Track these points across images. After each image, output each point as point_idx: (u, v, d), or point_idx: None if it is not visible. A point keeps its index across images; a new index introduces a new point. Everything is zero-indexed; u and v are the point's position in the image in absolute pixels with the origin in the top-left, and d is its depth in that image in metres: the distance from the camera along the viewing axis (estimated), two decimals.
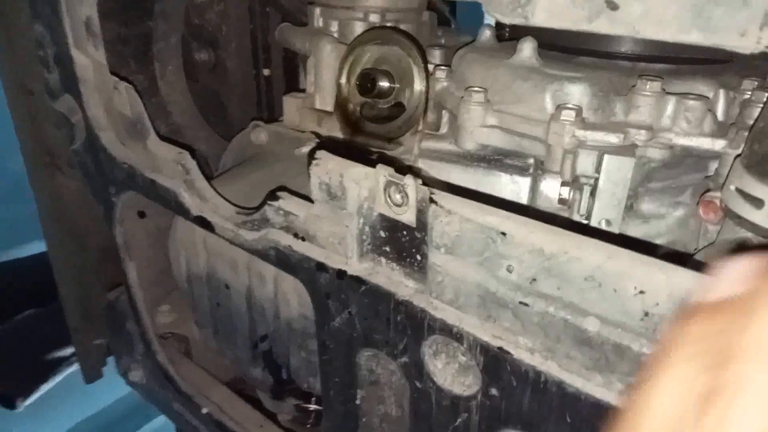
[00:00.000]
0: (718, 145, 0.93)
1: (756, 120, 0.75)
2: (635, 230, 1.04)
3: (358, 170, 0.75)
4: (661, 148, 0.97)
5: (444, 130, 1.18)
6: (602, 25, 0.63)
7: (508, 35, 1.36)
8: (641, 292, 0.53)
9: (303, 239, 0.86)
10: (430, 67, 1.23)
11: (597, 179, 0.97)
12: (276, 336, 1.20)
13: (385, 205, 0.74)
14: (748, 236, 0.75)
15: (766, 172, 0.71)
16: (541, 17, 0.66)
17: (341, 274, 0.79)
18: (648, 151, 0.98)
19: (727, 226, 0.79)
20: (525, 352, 0.63)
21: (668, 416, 0.32)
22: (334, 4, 1.37)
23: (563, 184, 1.05)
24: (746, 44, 0.70)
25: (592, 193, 0.99)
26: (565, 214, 1.08)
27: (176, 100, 1.66)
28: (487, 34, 1.25)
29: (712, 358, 0.33)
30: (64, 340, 2.12)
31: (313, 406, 1.42)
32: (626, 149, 0.95)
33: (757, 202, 0.72)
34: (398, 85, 1.24)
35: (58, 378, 2.49)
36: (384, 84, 1.22)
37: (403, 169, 0.73)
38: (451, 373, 0.77)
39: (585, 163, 0.97)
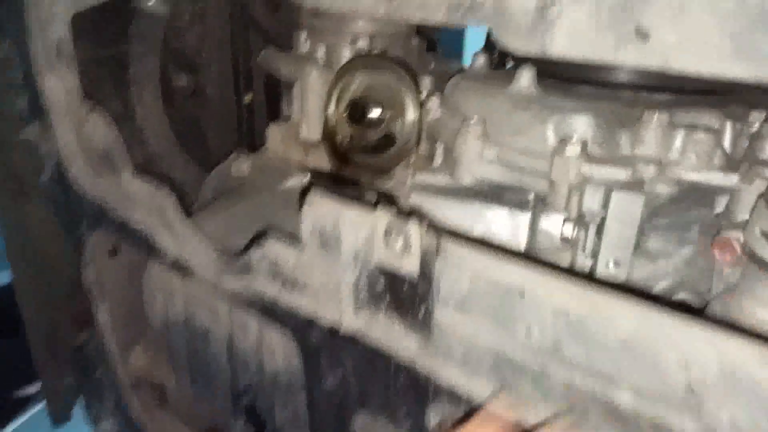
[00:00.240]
0: (730, 180, 0.89)
1: None
2: (641, 270, 0.98)
3: (355, 213, 0.69)
4: (669, 183, 0.92)
5: (438, 162, 1.12)
6: (630, 55, 0.58)
7: (500, 62, 1.32)
8: (685, 362, 0.47)
9: (292, 289, 0.79)
10: (422, 95, 1.18)
11: (603, 217, 0.91)
12: (260, 388, 1.11)
13: (384, 253, 0.68)
14: None
15: None
16: (561, 46, 0.60)
17: (334, 329, 0.72)
18: (655, 186, 0.93)
19: (751, 270, 0.74)
20: (545, 426, 0.56)
21: None
22: (321, 28, 1.31)
23: (566, 220, 1.00)
24: None
25: (598, 232, 0.94)
26: (568, 254, 1.02)
27: (153, 127, 1.57)
28: (480, 61, 1.20)
29: None
30: (34, 374, 2.01)
31: None
32: (634, 185, 0.89)
33: None
34: (389, 115, 1.19)
35: (24, 417, 2.36)
36: (374, 113, 1.16)
37: (406, 212, 0.66)
38: None
39: (591, 199, 0.92)
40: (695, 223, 1.01)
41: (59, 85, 1.13)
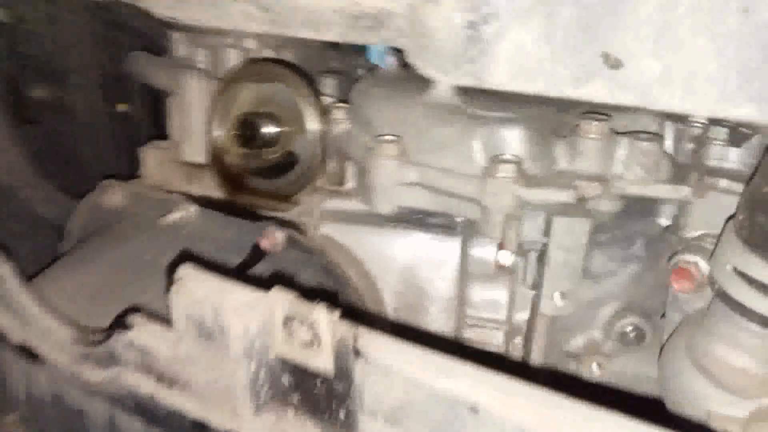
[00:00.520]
0: (680, 192, 0.79)
1: (753, 182, 0.59)
2: (586, 293, 0.88)
3: (242, 298, 0.51)
4: (613, 198, 0.81)
5: (350, 184, 0.95)
6: (597, 90, 0.43)
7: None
8: None
9: (170, 386, 0.60)
10: (325, 101, 1.01)
11: (545, 243, 0.79)
12: None
13: (286, 347, 0.51)
14: (750, 327, 0.59)
15: None
16: (501, 77, 0.45)
17: None
18: (598, 203, 0.81)
19: (721, 310, 0.63)
20: None
21: None
22: (200, 27, 1.09)
23: (500, 247, 0.87)
24: None
25: (540, 260, 0.81)
26: (507, 283, 0.90)
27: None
28: (389, 61, 1.04)
29: None
30: None
31: None
32: (577, 207, 0.77)
33: (766, 290, 0.56)
34: (286, 129, 1.00)
35: None
36: (268, 130, 0.98)
37: (312, 293, 0.49)
38: None
39: (530, 226, 0.79)
40: (639, 236, 0.91)
41: None
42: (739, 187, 0.74)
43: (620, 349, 0.88)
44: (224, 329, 0.52)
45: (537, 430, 0.39)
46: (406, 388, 0.44)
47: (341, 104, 0.98)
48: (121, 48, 1.42)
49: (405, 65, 1.05)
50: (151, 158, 1.07)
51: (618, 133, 0.80)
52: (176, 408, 0.60)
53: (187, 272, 0.53)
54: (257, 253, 0.92)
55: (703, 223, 0.77)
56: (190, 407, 0.59)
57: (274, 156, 1.00)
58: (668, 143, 0.86)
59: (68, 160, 1.49)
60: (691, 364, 0.63)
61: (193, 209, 0.99)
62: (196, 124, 1.04)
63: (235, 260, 0.93)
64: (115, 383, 0.65)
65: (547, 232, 0.78)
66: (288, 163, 0.99)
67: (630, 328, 0.87)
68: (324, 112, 0.97)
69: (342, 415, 0.51)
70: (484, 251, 0.89)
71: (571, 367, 0.89)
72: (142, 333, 0.60)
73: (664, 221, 0.88)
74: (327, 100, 1.02)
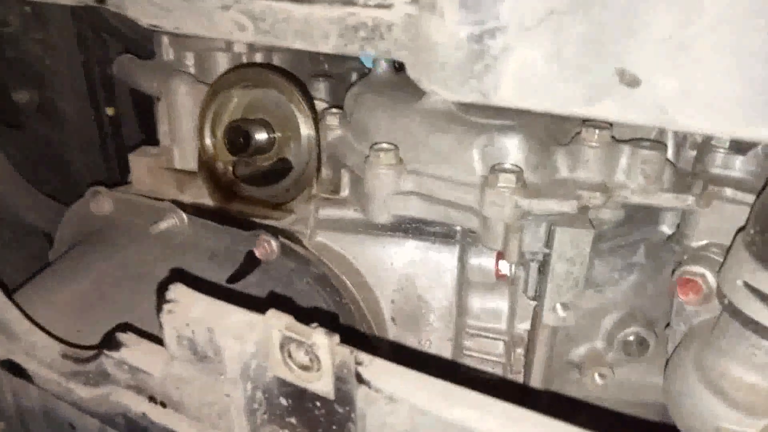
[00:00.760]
0: (684, 201, 0.77)
1: (764, 195, 0.58)
2: (588, 302, 0.86)
3: (237, 321, 0.49)
4: (615, 207, 0.79)
5: (345, 192, 0.93)
6: (610, 109, 0.41)
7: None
8: None
9: (164, 406, 0.58)
10: (318, 106, 0.98)
11: (547, 254, 0.77)
12: None
13: (283, 370, 0.49)
14: (761, 344, 0.58)
15: None
16: (509, 95, 0.43)
17: None
18: (600, 212, 0.80)
19: (730, 326, 0.61)
20: None
21: None
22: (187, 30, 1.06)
23: (500, 256, 0.85)
24: None
25: (541, 270, 0.80)
26: (508, 293, 0.88)
27: None
28: (383, 65, 1.01)
29: None
30: None
31: None
32: (579, 218, 0.75)
33: None
34: (279, 135, 0.98)
35: None
36: (261, 137, 0.95)
37: (310, 315, 0.47)
38: None
39: (531, 236, 0.77)
40: (641, 243, 0.90)
41: None
42: (743, 196, 0.73)
43: (623, 358, 0.86)
44: (219, 350, 0.50)
45: None
46: (412, 415, 0.42)
47: (335, 110, 0.95)
48: (108, 51, 1.39)
49: (398, 69, 1.04)
50: (141, 164, 1.04)
51: (619, 140, 0.78)
52: (170, 428, 0.58)
53: (179, 292, 0.51)
54: (250, 262, 0.90)
55: (708, 233, 0.75)
56: (184, 427, 0.57)
57: (267, 163, 0.98)
58: (670, 151, 0.85)
59: (56, 166, 1.46)
60: (699, 380, 0.62)
61: (183, 217, 0.96)
62: (186, 130, 1.02)
63: (227, 270, 0.90)
64: (106, 402, 0.62)
65: (548, 243, 0.76)
66: (281, 170, 0.97)
67: (633, 337, 0.86)
68: (317, 118, 0.94)
69: None
70: (484, 260, 0.87)
71: (574, 377, 0.87)
72: (134, 352, 0.58)
73: (666, 229, 0.87)
74: (319, 104, 1.00)
